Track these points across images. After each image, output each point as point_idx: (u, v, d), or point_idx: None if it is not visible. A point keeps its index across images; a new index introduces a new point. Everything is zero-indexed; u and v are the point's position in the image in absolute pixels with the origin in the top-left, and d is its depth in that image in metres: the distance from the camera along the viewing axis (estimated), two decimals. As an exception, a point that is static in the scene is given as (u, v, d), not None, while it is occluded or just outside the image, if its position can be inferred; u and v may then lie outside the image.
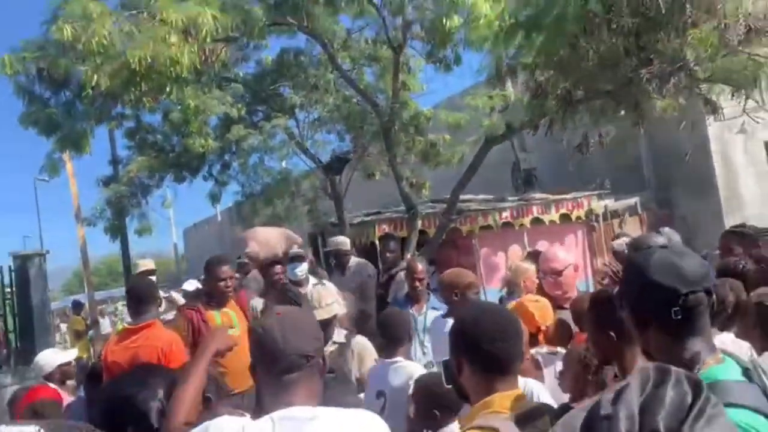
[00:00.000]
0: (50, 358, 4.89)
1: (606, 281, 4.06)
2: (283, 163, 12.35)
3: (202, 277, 5.40)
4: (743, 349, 2.59)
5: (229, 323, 4.57)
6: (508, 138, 9.47)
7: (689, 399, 0.92)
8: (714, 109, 6.80)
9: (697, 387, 0.94)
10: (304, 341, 1.85)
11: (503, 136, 8.79)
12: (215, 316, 4.52)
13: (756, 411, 1.38)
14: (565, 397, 2.72)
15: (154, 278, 6.11)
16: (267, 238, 6.26)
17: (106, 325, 14.83)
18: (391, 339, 3.77)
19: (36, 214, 40.84)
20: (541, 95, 6.11)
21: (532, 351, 3.50)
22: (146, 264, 6.28)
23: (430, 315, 4.85)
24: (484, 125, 8.50)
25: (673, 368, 0.98)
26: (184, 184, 11.06)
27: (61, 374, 4.78)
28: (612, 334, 2.10)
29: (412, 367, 3.64)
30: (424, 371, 3.60)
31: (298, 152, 11.07)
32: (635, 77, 5.71)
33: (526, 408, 1.79)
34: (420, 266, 5.39)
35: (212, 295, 4.61)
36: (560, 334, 3.45)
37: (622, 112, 6.74)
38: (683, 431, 0.88)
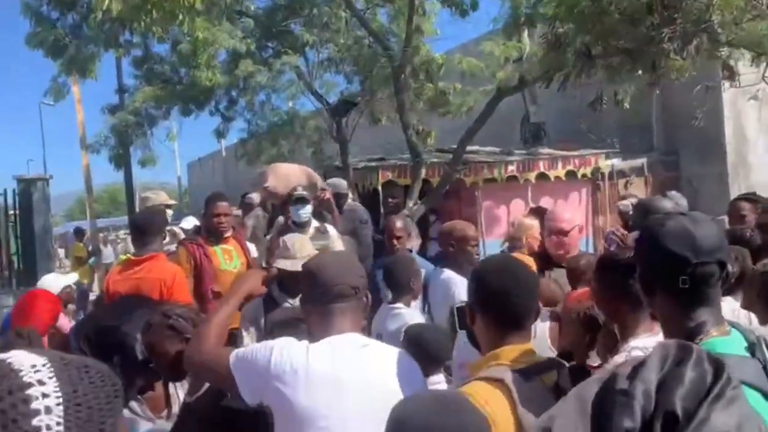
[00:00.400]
0: (54, 281, 4.94)
1: (613, 247, 4.04)
2: (290, 103, 12.24)
3: (202, 211, 5.41)
4: (741, 319, 2.60)
5: (230, 259, 4.61)
6: (521, 90, 9.34)
7: (709, 379, 0.90)
8: (731, 74, 6.67)
9: (718, 367, 0.92)
10: (352, 275, 2.09)
11: (515, 88, 8.66)
12: (216, 252, 4.55)
13: (751, 386, 1.38)
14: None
15: (170, 212, 6.05)
16: (287, 174, 6.09)
17: (108, 253, 14.95)
18: (394, 285, 3.80)
19: (40, 138, 40.71)
20: (559, 48, 5.96)
21: None
22: (159, 197, 6.17)
23: None
24: (497, 76, 8.35)
25: (695, 347, 0.96)
26: (190, 117, 10.98)
27: (64, 297, 4.85)
28: (621, 297, 2.10)
29: (408, 314, 3.68)
30: (420, 319, 3.65)
31: (306, 92, 10.92)
32: (656, 36, 5.56)
33: (533, 362, 1.80)
34: (399, 224, 5.04)
35: (209, 230, 4.63)
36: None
37: (639, 72, 6.60)
38: (700, 413, 0.87)
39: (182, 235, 6.02)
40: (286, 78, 10.70)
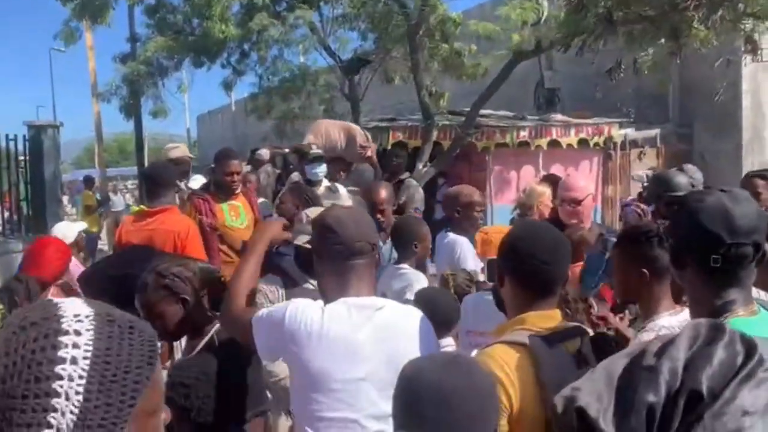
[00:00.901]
0: (68, 228, 4.96)
1: (630, 218, 4.02)
2: (302, 58, 12.10)
3: (212, 166, 5.36)
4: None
5: (236, 215, 4.61)
6: (537, 55, 9.19)
7: (740, 360, 0.90)
8: (754, 48, 6.54)
9: (750, 348, 0.92)
10: (369, 231, 2.08)
11: (532, 52, 8.52)
12: (223, 208, 4.54)
13: None
14: None
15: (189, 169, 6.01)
16: (327, 132, 5.92)
17: (118, 201, 14.99)
18: (400, 246, 3.81)
19: (50, 84, 40.54)
20: (581, 11, 5.82)
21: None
22: (180, 151, 6.10)
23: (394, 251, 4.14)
24: (513, 40, 8.21)
25: (728, 327, 0.96)
26: (202, 69, 10.87)
27: (79, 243, 4.88)
28: (645, 270, 2.08)
29: (413, 275, 3.71)
30: (424, 281, 3.67)
31: (319, 48, 10.78)
32: (681, 3, 5.43)
33: (558, 329, 1.81)
34: (383, 194, 4.51)
35: (220, 187, 4.60)
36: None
37: (661, 40, 6.47)
38: (726, 392, 0.87)
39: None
40: (300, 33, 10.56)
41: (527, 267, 1.79)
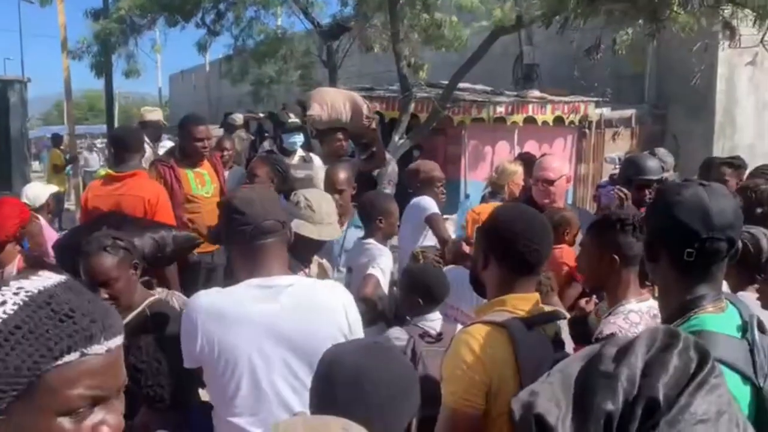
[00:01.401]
0: (40, 190, 4.85)
1: (605, 201, 4.03)
2: (279, 21, 11.87)
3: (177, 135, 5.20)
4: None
5: (202, 183, 4.50)
6: (517, 30, 9.14)
7: (693, 367, 0.90)
8: (732, 33, 6.57)
9: (703, 356, 0.92)
10: (277, 209, 2.05)
11: (512, 27, 8.47)
12: (188, 175, 4.39)
13: (731, 367, 1.38)
14: None
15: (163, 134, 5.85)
16: (333, 101, 5.65)
17: (93, 160, 14.61)
18: (365, 221, 3.81)
19: (18, 36, 39.26)
20: (563, -12, 5.76)
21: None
22: (156, 114, 5.95)
23: (351, 234, 3.89)
24: (495, 15, 8.14)
25: (683, 334, 0.96)
26: (176, 28, 10.60)
27: (50, 206, 4.78)
28: (615, 257, 2.10)
29: (376, 249, 3.71)
30: (388, 255, 3.68)
31: (298, 12, 10.58)
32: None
33: (537, 311, 1.82)
34: (342, 175, 4.10)
35: (187, 154, 4.41)
36: None
37: (640, 21, 6.46)
38: (681, 399, 0.87)
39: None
40: (278, -5, 10.36)
41: (517, 250, 1.78)
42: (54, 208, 5.20)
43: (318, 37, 10.65)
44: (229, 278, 2.17)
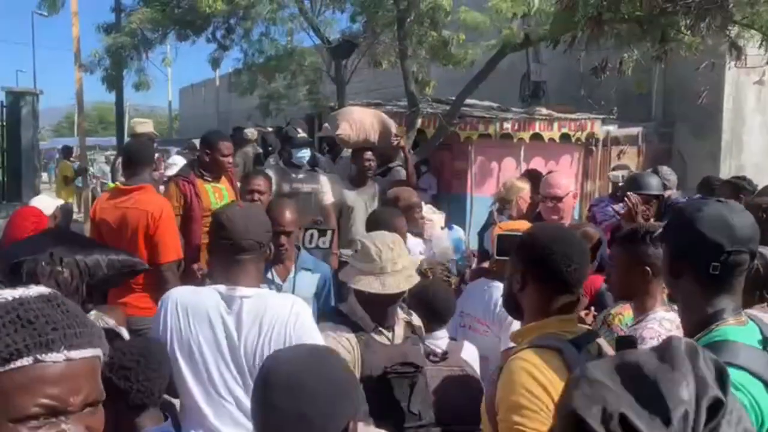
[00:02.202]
0: (48, 201, 4.92)
1: (624, 211, 4.05)
2: (288, 38, 11.97)
3: (186, 149, 5.27)
4: None
5: (221, 198, 4.56)
6: (525, 48, 9.19)
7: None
8: (738, 53, 6.61)
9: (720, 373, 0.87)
10: (260, 231, 2.26)
11: (520, 45, 8.52)
12: (208, 189, 4.48)
13: (754, 375, 1.41)
14: None
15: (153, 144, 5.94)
16: (362, 121, 5.65)
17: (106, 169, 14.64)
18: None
19: (31, 48, 39.68)
20: (572, 8, 5.81)
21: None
22: (146, 126, 6.09)
23: (302, 280, 3.40)
24: (503, 32, 8.20)
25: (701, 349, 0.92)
26: (187, 42, 10.70)
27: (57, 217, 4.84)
28: (648, 269, 2.14)
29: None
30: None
31: (307, 28, 10.68)
32: (670, 7, 5.46)
33: (579, 332, 1.81)
34: (288, 216, 3.32)
35: (209, 169, 4.47)
36: None
37: (648, 44, 6.51)
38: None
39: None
40: (288, 12, 10.44)
41: (558, 270, 1.76)
42: (61, 219, 5.26)
43: (327, 53, 10.73)
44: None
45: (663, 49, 6.44)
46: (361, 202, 5.29)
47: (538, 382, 1.60)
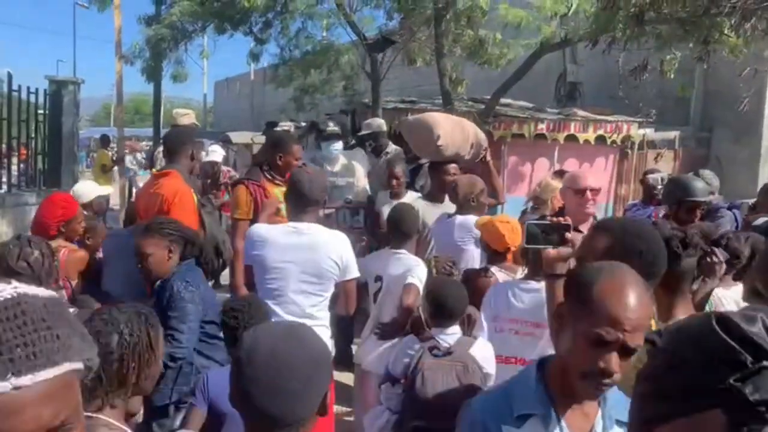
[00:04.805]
0: (89, 188, 5.03)
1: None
2: (325, 33, 12.04)
3: (220, 142, 5.23)
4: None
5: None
6: (563, 47, 9.12)
7: None
8: (783, 58, 6.46)
9: None
10: (320, 191, 3.41)
11: (558, 45, 8.45)
12: (277, 194, 4.28)
13: None
14: None
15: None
16: (453, 133, 5.05)
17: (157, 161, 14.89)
18: (399, 232, 3.87)
19: (72, 39, 40.45)
20: (613, 8, 5.73)
21: (493, 268, 3.71)
22: (188, 118, 6.17)
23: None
24: (541, 31, 8.14)
25: None
26: (224, 36, 10.85)
27: (96, 206, 4.95)
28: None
29: (411, 260, 3.79)
30: (423, 267, 3.73)
31: (344, 24, 10.73)
32: (713, 8, 5.37)
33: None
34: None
35: (280, 172, 4.34)
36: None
37: (690, 45, 6.40)
38: None
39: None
40: (326, 7, 10.51)
41: (645, 263, 1.74)
42: (102, 208, 5.38)
43: (363, 49, 10.77)
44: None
45: (705, 50, 6.32)
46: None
47: None
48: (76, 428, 0.78)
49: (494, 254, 3.80)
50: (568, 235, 2.12)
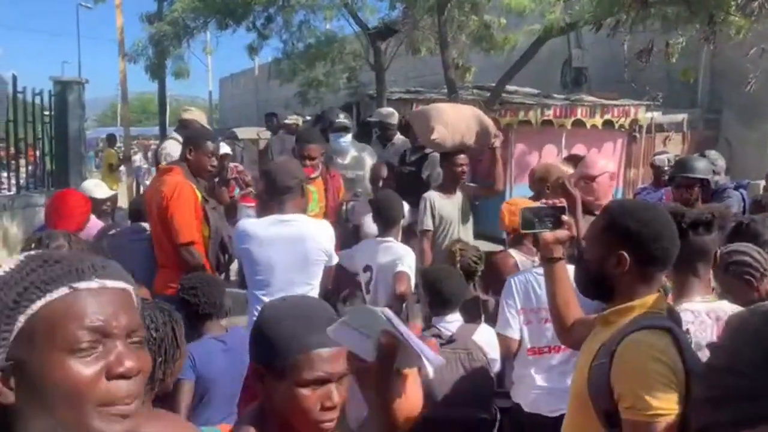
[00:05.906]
0: (95, 187, 5.02)
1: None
2: (327, 25, 12.01)
3: (226, 139, 5.09)
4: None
5: (309, 200, 4.32)
6: (568, 32, 9.04)
7: None
8: (790, 38, 6.37)
9: None
10: (290, 177, 3.35)
11: (562, 30, 8.38)
12: (312, 191, 4.29)
13: None
14: None
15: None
16: (455, 123, 4.91)
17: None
18: (385, 220, 3.85)
19: (76, 40, 40.49)
20: (617, -10, 5.66)
21: (512, 251, 3.70)
22: (191, 113, 6.14)
23: None
24: (546, 17, 8.07)
25: None
26: (227, 31, 10.83)
27: (101, 207, 4.93)
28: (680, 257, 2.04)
29: (400, 248, 3.76)
30: (412, 255, 3.72)
31: (347, 15, 10.69)
32: (719, -13, 5.29)
33: (670, 308, 1.79)
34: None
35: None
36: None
37: (696, 25, 6.32)
38: None
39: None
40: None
41: (655, 248, 1.72)
42: (109, 207, 5.38)
43: (365, 39, 10.73)
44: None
45: (712, 30, 6.23)
46: (455, 212, 4.73)
47: (664, 364, 1.56)
48: (145, 349, 0.96)
49: (514, 238, 3.79)
50: (564, 217, 2.09)
